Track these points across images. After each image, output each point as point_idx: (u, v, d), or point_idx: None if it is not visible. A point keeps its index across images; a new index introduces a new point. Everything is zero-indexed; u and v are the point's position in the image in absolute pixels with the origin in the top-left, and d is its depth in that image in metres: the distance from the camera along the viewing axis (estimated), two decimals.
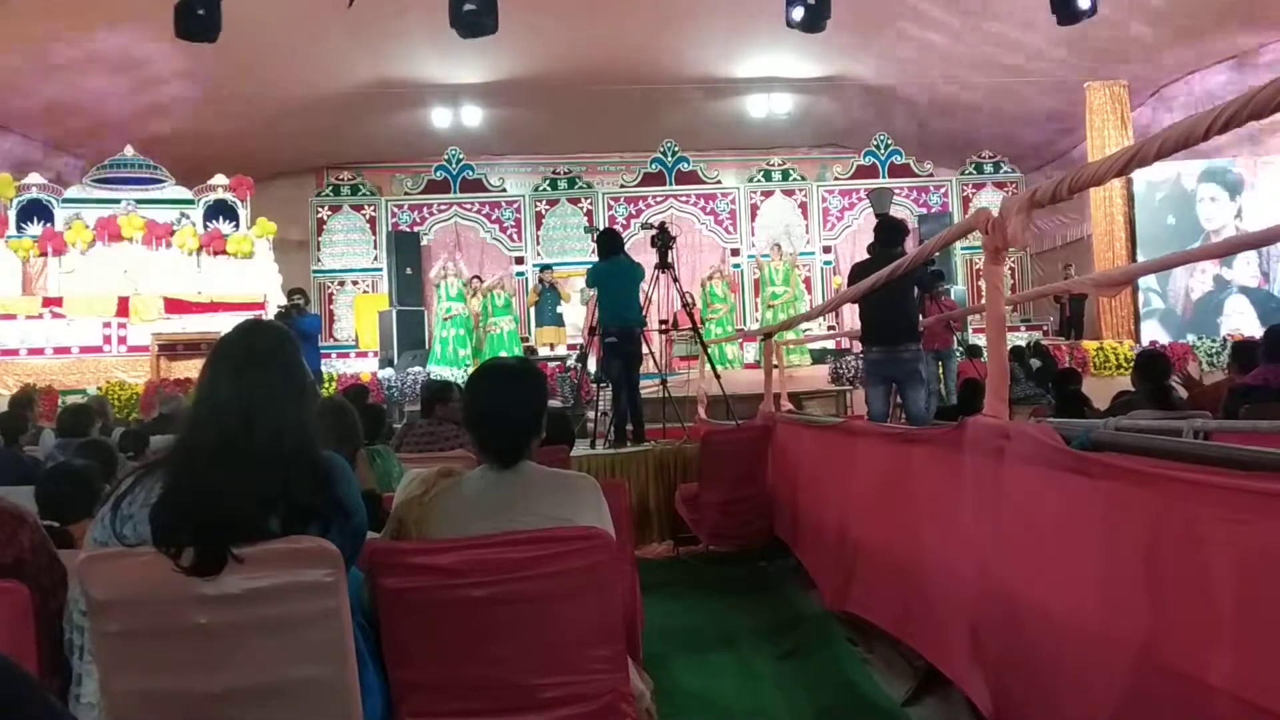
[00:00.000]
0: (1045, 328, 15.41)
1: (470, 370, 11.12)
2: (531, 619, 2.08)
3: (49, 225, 13.75)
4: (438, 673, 2.08)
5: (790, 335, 12.80)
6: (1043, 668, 2.61)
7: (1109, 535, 2.25)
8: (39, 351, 12.74)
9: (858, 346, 10.89)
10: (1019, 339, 12.81)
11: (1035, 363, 10.31)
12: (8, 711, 0.99)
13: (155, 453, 2.04)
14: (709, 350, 9.63)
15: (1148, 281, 14.16)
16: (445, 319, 14.32)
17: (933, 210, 16.61)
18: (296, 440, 1.92)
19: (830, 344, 13.95)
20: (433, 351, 14.28)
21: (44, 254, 13.66)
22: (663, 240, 8.75)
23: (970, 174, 17.04)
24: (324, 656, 1.88)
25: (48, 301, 13.16)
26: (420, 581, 2.06)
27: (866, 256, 6.79)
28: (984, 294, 3.54)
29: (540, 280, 14.72)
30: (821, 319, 15.50)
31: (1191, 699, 1.92)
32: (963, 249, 16.57)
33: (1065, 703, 2.49)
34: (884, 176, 16.79)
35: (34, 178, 13.95)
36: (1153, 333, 14.30)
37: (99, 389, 10.87)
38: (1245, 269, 13.96)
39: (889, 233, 6.65)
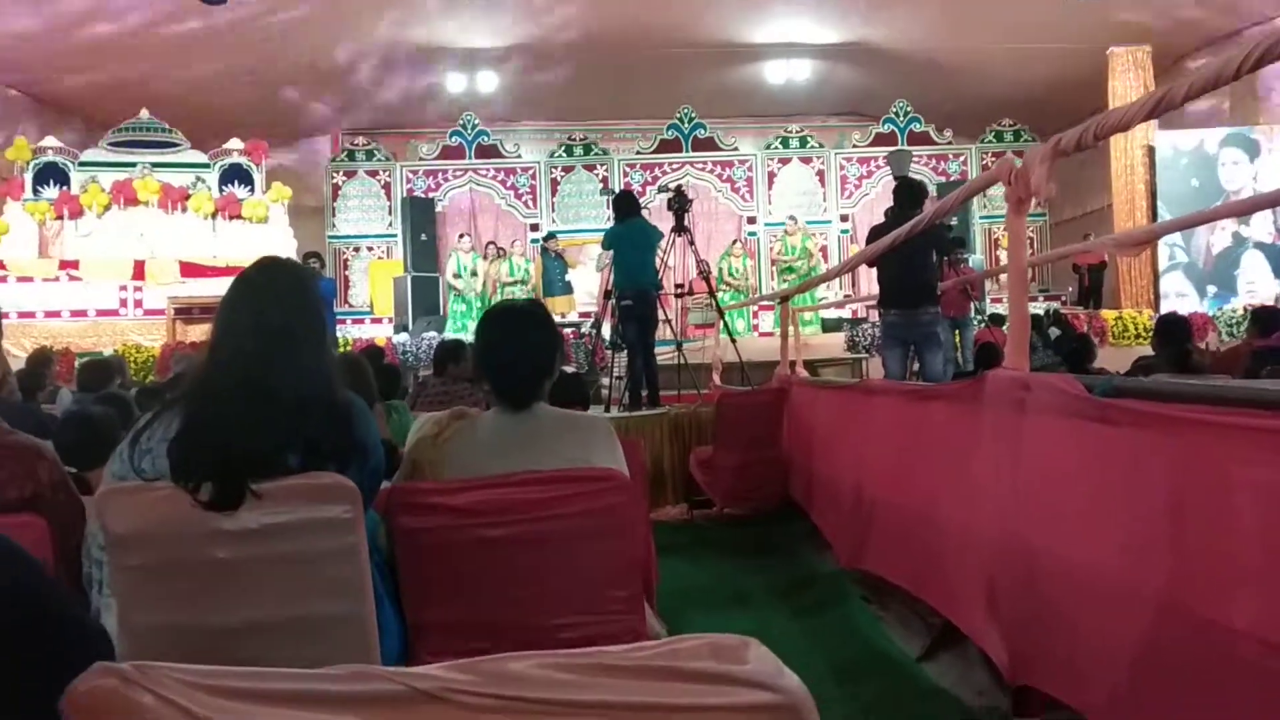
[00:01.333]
0: (1064, 298, 15.31)
1: None
2: (548, 559, 2.08)
3: (65, 188, 13.76)
4: (455, 613, 2.08)
5: (807, 303, 12.76)
6: (1062, 620, 2.60)
7: (1132, 483, 2.23)
8: (56, 314, 12.76)
9: (874, 315, 10.85)
10: (1037, 308, 12.73)
11: (1054, 331, 10.26)
12: (28, 601, 0.99)
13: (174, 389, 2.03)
14: (725, 316, 9.60)
15: (1172, 238, 14.50)
16: (459, 292, 14.38)
17: (952, 179, 16.46)
18: (315, 377, 1.91)
19: (846, 314, 13.89)
20: (450, 318, 14.32)
21: (60, 217, 13.66)
22: (679, 203, 8.70)
23: (990, 142, 16.87)
24: (342, 592, 1.87)
25: (64, 264, 13.17)
26: (437, 521, 2.06)
27: (884, 220, 6.75)
28: (1003, 260, 3.51)
29: (544, 249, 14.63)
30: (839, 289, 15.47)
31: (1215, 644, 1.90)
32: (981, 218, 16.46)
33: (1084, 654, 2.47)
34: (903, 145, 16.67)
35: (50, 141, 13.95)
36: (1175, 284, 14.57)
37: (115, 351, 10.91)
38: (1261, 226, 14.35)
39: (908, 194, 6.57)
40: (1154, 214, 14.50)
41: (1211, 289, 14.36)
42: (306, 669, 0.73)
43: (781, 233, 15.65)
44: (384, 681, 0.71)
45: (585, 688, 0.70)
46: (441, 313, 14.64)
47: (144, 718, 0.69)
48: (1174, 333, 5.63)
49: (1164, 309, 13.84)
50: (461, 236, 15.16)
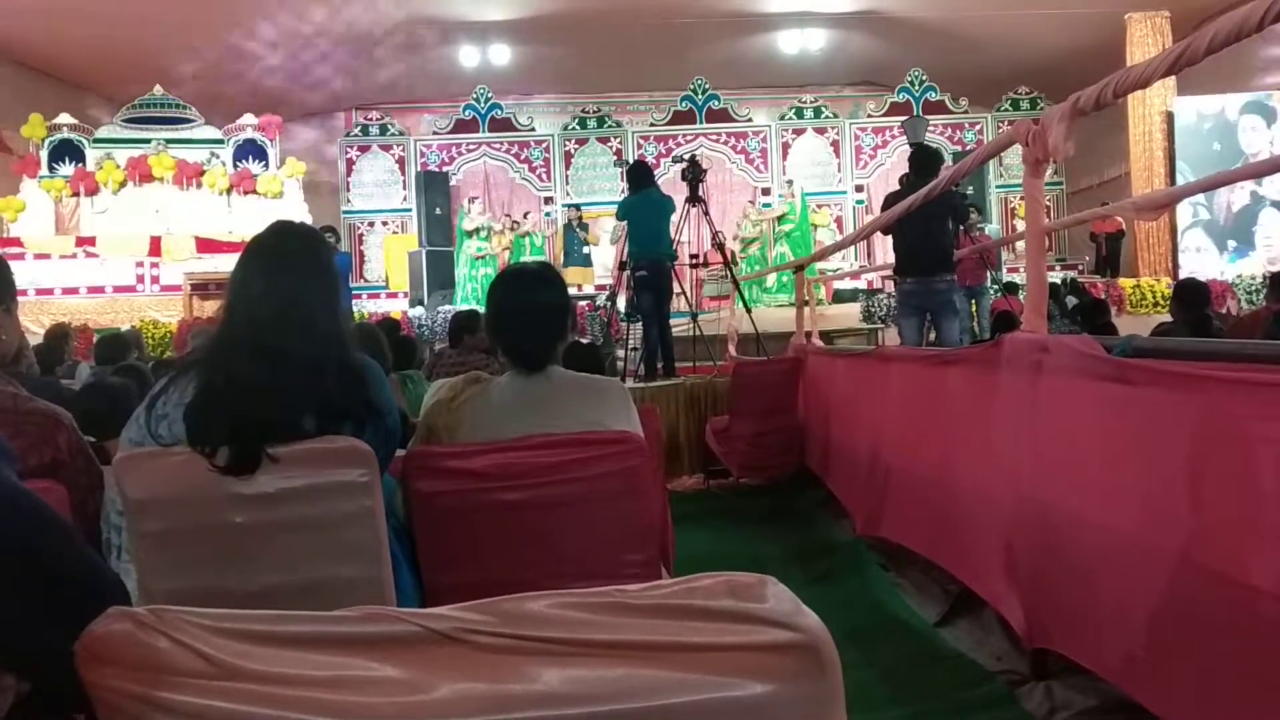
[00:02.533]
0: (1081, 267, 15.21)
1: None
2: (565, 522, 2.07)
3: (80, 165, 13.79)
4: (471, 576, 2.08)
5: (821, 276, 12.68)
6: (1079, 582, 2.59)
7: (1151, 443, 2.21)
8: (74, 291, 12.81)
9: (890, 286, 10.79)
10: (1054, 277, 12.64)
11: (1071, 300, 10.20)
12: (44, 554, 0.99)
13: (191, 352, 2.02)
14: (740, 288, 9.56)
15: (1194, 196, 14.56)
16: (476, 258, 14.39)
17: (968, 148, 16.31)
18: (329, 339, 1.90)
19: (861, 285, 13.82)
20: (468, 282, 14.37)
21: (76, 194, 13.71)
22: (693, 173, 8.65)
23: (1006, 111, 16.72)
24: (359, 556, 1.87)
25: (81, 241, 13.19)
26: (453, 485, 2.05)
27: (899, 187, 6.69)
28: (1020, 229, 3.47)
29: (569, 221, 14.71)
30: (854, 260, 15.38)
31: (1235, 602, 1.89)
32: (997, 187, 16.35)
33: (1102, 616, 2.46)
34: (918, 114, 16.54)
35: (64, 118, 13.97)
36: (1196, 239, 14.73)
37: (133, 327, 10.95)
38: (1275, 186, 14.58)
39: (923, 161, 6.51)
40: (1172, 180, 14.39)
41: (1231, 244, 14.65)
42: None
43: (783, 198, 15.65)
44: (399, 622, 0.71)
45: (602, 626, 0.70)
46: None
47: (159, 660, 0.69)
48: (1192, 298, 5.58)
49: (1184, 264, 13.91)
50: (473, 200, 15.22)
